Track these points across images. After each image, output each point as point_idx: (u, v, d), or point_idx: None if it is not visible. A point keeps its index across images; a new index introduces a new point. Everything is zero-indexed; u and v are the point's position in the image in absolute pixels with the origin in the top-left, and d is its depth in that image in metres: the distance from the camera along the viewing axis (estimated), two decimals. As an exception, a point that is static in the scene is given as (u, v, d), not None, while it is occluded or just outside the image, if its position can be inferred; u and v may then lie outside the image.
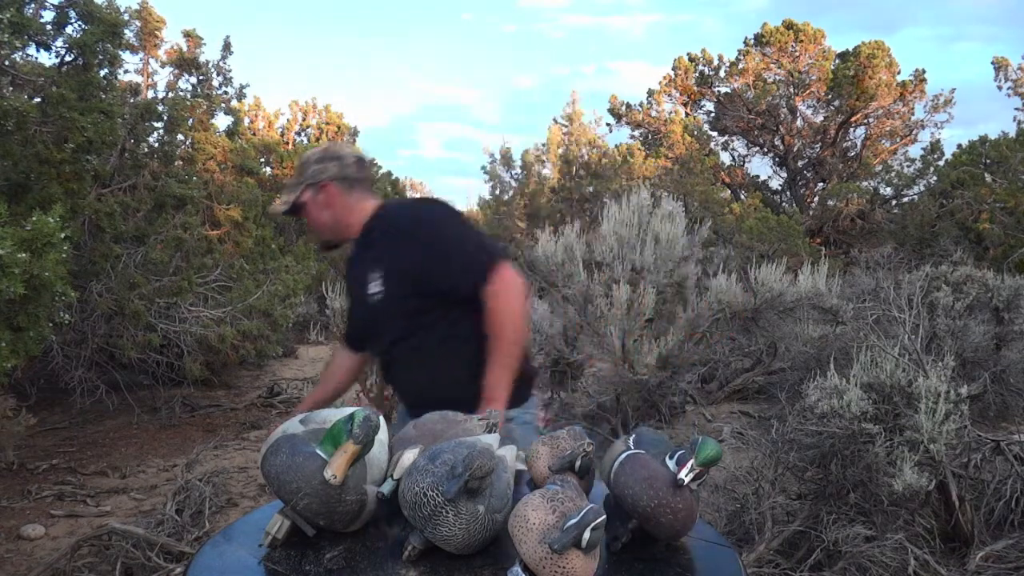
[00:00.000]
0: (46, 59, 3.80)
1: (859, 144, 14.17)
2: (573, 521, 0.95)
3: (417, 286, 1.54)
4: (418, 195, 24.24)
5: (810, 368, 3.91)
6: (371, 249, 1.62)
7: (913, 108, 13.71)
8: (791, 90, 13.73)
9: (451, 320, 1.55)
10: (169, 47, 5.85)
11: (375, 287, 1.59)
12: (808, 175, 14.44)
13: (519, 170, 12.53)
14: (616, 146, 12.67)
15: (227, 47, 6.18)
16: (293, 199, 1.62)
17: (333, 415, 1.22)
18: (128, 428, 4.77)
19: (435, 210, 1.62)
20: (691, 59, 14.61)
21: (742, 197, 13.78)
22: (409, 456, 1.19)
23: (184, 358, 4.86)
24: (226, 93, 6.32)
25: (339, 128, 11.00)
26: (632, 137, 14.43)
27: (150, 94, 5.74)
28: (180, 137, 5.50)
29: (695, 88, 14.59)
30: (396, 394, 1.75)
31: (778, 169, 14.73)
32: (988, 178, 9.91)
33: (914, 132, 13.88)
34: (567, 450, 1.29)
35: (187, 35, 5.84)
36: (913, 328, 3.07)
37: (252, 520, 1.27)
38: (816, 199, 13.78)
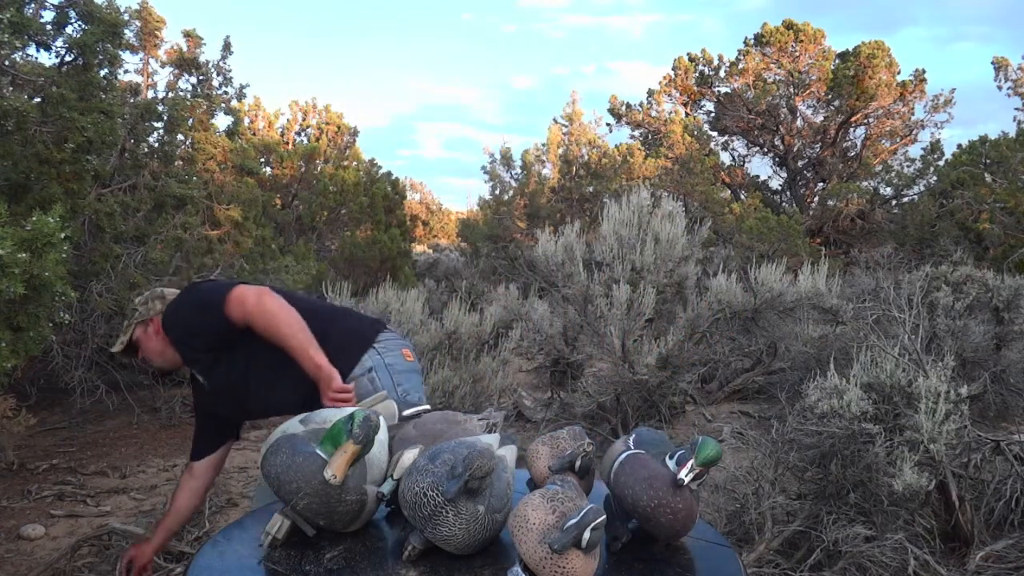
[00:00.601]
0: (46, 59, 3.80)
1: (859, 144, 14.16)
2: (573, 521, 0.95)
3: (205, 349, 1.77)
4: (415, 197, 24.25)
5: (810, 368, 3.92)
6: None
7: (913, 108, 13.70)
8: (791, 90, 13.73)
9: (256, 349, 1.73)
10: (169, 47, 5.86)
11: (203, 380, 1.85)
12: (808, 175, 14.43)
13: (519, 170, 12.52)
14: (616, 146, 12.66)
15: (227, 47, 6.18)
16: (127, 339, 1.86)
17: (333, 415, 1.22)
18: (128, 428, 4.76)
19: (179, 295, 1.85)
20: (691, 59, 14.61)
21: (742, 197, 13.77)
22: (409, 456, 1.19)
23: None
24: (226, 93, 6.32)
25: (339, 128, 10.99)
26: (632, 137, 14.43)
27: (150, 94, 5.74)
28: (180, 137, 5.50)
29: (695, 88, 14.59)
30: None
31: (778, 169, 14.73)
32: (988, 178, 9.91)
33: (914, 132, 13.87)
34: (567, 450, 1.29)
35: (187, 35, 5.84)
36: (913, 328, 3.07)
37: (252, 520, 1.27)
38: (816, 199, 13.77)
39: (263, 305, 1.67)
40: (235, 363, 1.78)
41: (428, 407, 1.47)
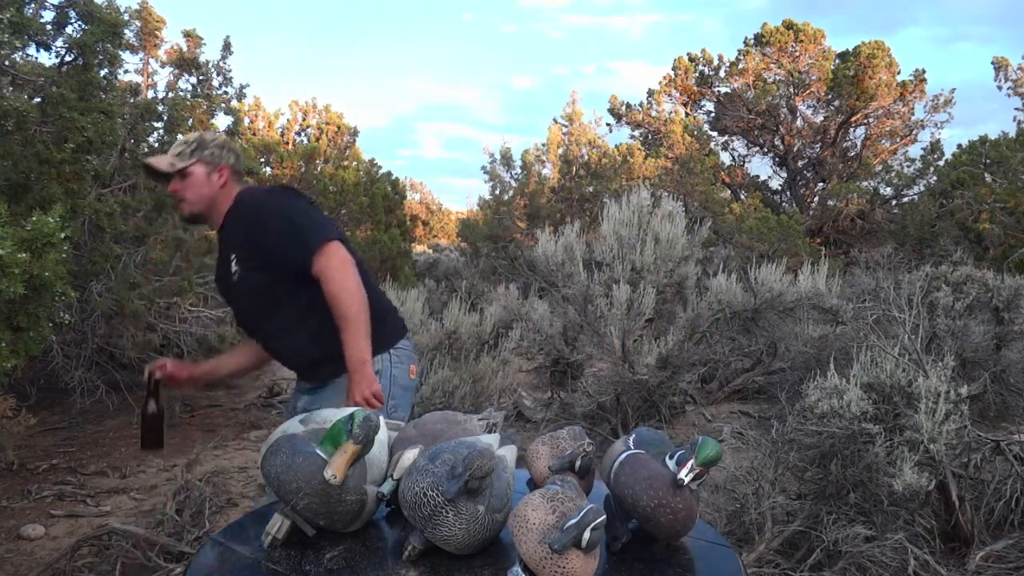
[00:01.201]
0: (46, 59, 3.80)
1: (859, 144, 14.16)
2: (573, 521, 0.95)
3: (262, 264, 1.70)
4: (415, 197, 24.23)
5: (810, 368, 3.92)
6: (230, 233, 1.77)
7: (913, 108, 13.70)
8: (791, 90, 13.72)
9: (299, 293, 1.69)
10: (169, 47, 5.86)
11: (234, 267, 1.75)
12: (808, 175, 14.43)
13: (519, 170, 12.52)
14: (616, 146, 12.65)
15: (227, 47, 6.17)
16: (183, 165, 1.74)
17: (333, 415, 1.22)
18: (128, 428, 4.76)
19: (278, 195, 1.77)
20: (691, 59, 14.60)
21: (742, 197, 13.77)
22: (409, 456, 1.19)
23: (184, 358, 4.86)
24: (226, 93, 6.32)
25: (339, 128, 10.99)
26: (632, 137, 14.43)
27: (150, 94, 5.74)
28: (180, 137, 5.50)
29: (695, 88, 14.58)
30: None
31: (778, 169, 14.73)
32: (988, 178, 9.91)
33: (914, 132, 13.87)
34: (567, 450, 1.29)
35: (187, 35, 5.84)
36: (913, 328, 3.07)
37: (252, 520, 1.27)
38: (816, 199, 13.77)
39: (346, 276, 1.62)
40: (275, 285, 1.71)
41: (402, 424, 1.46)
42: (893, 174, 12.86)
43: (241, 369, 1.96)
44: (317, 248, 1.62)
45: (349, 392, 1.58)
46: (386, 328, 1.79)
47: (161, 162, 1.76)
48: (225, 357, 1.96)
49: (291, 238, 1.65)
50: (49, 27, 3.62)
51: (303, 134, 11.24)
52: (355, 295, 1.61)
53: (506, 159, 12.53)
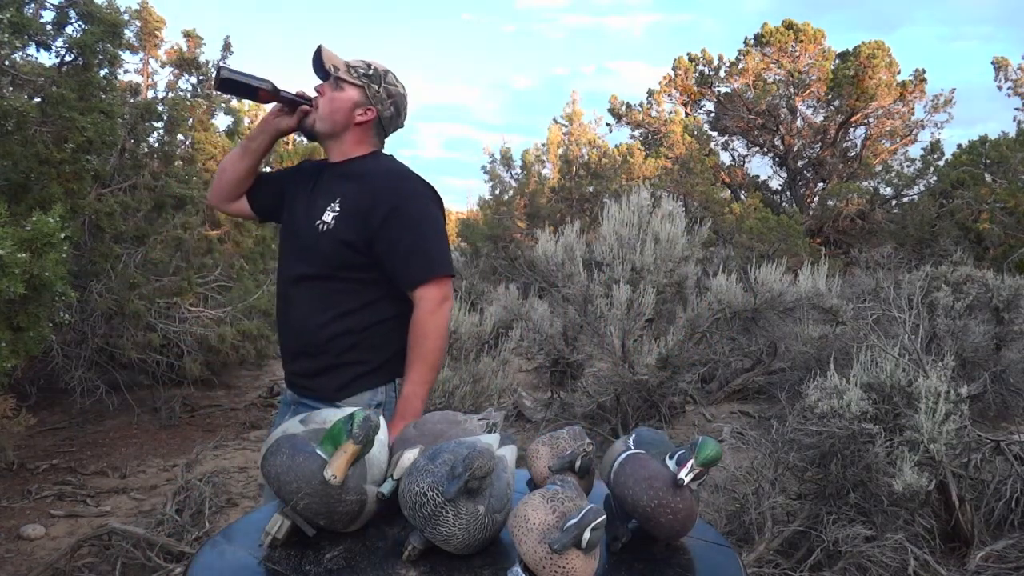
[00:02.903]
0: (46, 59, 3.80)
1: (859, 144, 14.17)
2: (573, 521, 0.95)
3: (361, 238, 1.50)
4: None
5: (810, 368, 3.92)
6: (348, 182, 1.56)
7: (913, 108, 13.72)
8: (791, 90, 13.73)
9: (366, 293, 1.53)
10: (169, 47, 5.85)
11: (327, 216, 1.53)
12: (808, 175, 14.44)
13: (519, 170, 12.52)
14: (616, 146, 12.66)
15: (227, 47, 6.16)
16: (347, 78, 1.56)
17: (333, 415, 1.22)
18: (128, 428, 4.76)
19: (434, 197, 1.60)
20: (691, 59, 14.61)
21: (742, 197, 13.77)
22: (409, 456, 1.19)
23: (184, 358, 4.86)
24: (226, 93, 6.31)
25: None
26: (632, 137, 14.43)
27: (150, 94, 5.74)
28: (180, 137, 5.50)
29: (695, 88, 14.59)
30: (280, 338, 1.69)
31: (778, 169, 14.74)
32: (988, 178, 9.91)
33: (914, 132, 13.88)
34: (567, 450, 1.29)
35: (187, 35, 5.84)
36: (913, 328, 3.07)
37: (252, 520, 1.27)
38: (816, 199, 13.78)
39: (442, 319, 1.49)
40: (352, 262, 1.52)
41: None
42: (893, 174, 12.86)
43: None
44: (436, 277, 1.49)
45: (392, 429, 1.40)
46: (399, 356, 1.61)
47: (330, 57, 1.57)
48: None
49: (421, 249, 1.50)
50: (49, 27, 3.62)
51: (303, 134, 11.21)
52: (441, 340, 1.50)
53: (506, 159, 12.53)
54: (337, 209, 1.53)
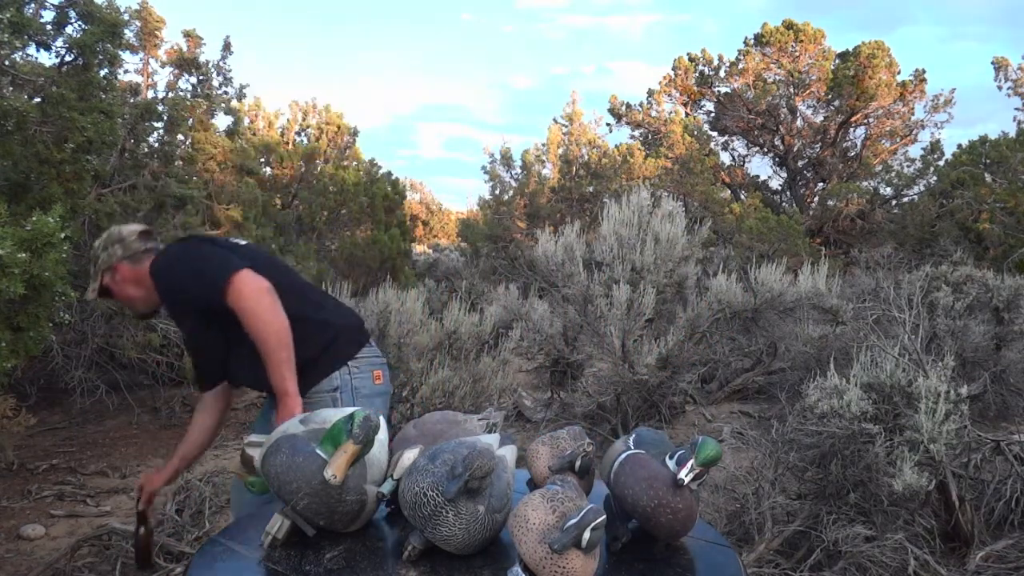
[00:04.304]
0: (46, 59, 3.80)
1: (859, 144, 14.16)
2: (573, 521, 0.95)
3: (198, 316, 1.75)
4: (415, 197, 24.24)
5: (810, 368, 3.92)
6: (163, 303, 1.83)
7: (913, 108, 13.70)
8: (791, 90, 13.72)
9: (231, 328, 1.69)
10: (169, 47, 5.86)
11: (182, 328, 1.86)
12: (808, 175, 14.43)
13: (519, 170, 12.52)
14: (616, 146, 12.65)
15: (227, 47, 6.18)
16: (97, 286, 1.84)
17: (333, 415, 1.22)
18: (128, 428, 4.76)
19: (176, 249, 1.80)
20: (691, 59, 14.60)
21: (742, 197, 13.77)
22: (409, 456, 1.19)
23: (184, 358, 4.86)
24: (226, 93, 6.32)
25: (339, 128, 10.98)
26: (632, 137, 14.42)
27: (150, 94, 5.74)
28: (180, 137, 5.50)
29: (695, 88, 14.58)
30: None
31: (778, 169, 14.73)
32: (988, 178, 9.91)
33: (914, 132, 13.87)
34: (567, 450, 1.29)
35: (187, 35, 5.84)
36: (913, 328, 3.07)
37: (252, 520, 1.27)
38: (816, 199, 13.77)
39: (258, 307, 1.62)
40: (221, 331, 1.73)
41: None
42: (893, 174, 12.86)
43: (209, 437, 1.96)
44: (224, 285, 1.62)
45: (276, 423, 1.57)
46: (339, 343, 1.79)
47: (88, 294, 1.87)
48: (192, 435, 1.93)
49: (201, 282, 1.67)
50: (49, 27, 3.62)
51: (303, 134, 11.22)
52: (269, 325, 1.62)
53: (506, 159, 12.53)
54: (180, 322, 1.89)
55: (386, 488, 1.17)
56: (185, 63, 5.76)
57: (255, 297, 1.62)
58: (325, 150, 10.33)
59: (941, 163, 12.12)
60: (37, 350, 2.79)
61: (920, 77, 13.42)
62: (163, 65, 5.89)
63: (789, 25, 13.53)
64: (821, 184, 14.09)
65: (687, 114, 14.42)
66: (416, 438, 1.29)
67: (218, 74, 6.14)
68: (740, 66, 13.88)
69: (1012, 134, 10.36)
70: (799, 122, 14.13)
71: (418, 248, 17.18)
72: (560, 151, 12.33)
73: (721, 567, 1.17)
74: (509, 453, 1.23)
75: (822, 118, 13.95)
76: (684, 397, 4.82)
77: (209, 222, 5.60)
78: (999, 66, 11.24)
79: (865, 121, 13.81)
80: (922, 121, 13.75)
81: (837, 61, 13.36)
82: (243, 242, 1.91)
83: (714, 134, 14.80)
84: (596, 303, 4.14)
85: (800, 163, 14.38)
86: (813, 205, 13.53)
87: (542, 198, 11.79)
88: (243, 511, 1.72)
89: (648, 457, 1.18)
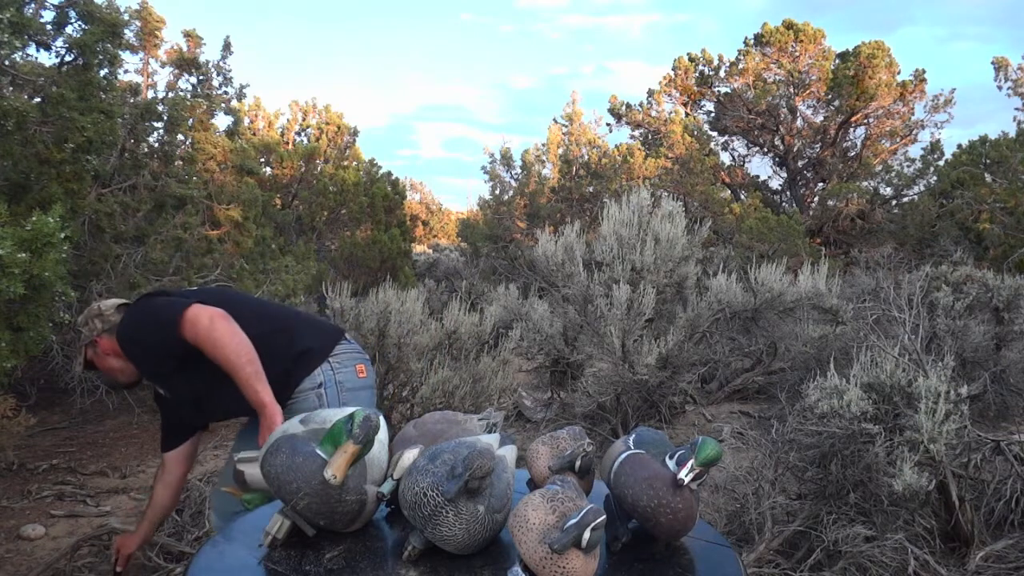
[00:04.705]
0: (46, 59, 3.80)
1: (859, 144, 14.15)
2: (573, 521, 0.95)
3: (168, 368, 1.80)
4: (415, 197, 24.23)
5: (810, 368, 3.92)
6: (138, 369, 1.88)
7: (913, 108, 13.69)
8: (791, 90, 13.72)
9: (202, 365, 1.74)
10: (169, 47, 5.86)
11: (162, 391, 1.91)
12: (808, 175, 14.43)
13: (519, 170, 12.53)
14: (616, 146, 12.65)
15: (227, 47, 6.18)
16: (82, 360, 1.91)
17: (333, 415, 1.22)
18: (128, 428, 4.76)
19: (130, 311, 1.84)
20: (691, 59, 14.60)
21: (742, 197, 13.77)
22: (409, 456, 1.19)
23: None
24: (226, 93, 6.32)
25: (339, 128, 10.98)
26: (632, 137, 14.42)
27: (150, 94, 5.74)
28: (180, 137, 5.50)
29: (695, 88, 14.58)
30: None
31: (778, 169, 14.72)
32: (988, 178, 9.91)
33: (914, 132, 13.86)
34: (567, 450, 1.29)
35: (187, 35, 5.84)
36: (913, 328, 3.07)
37: (252, 520, 1.27)
38: (816, 199, 13.77)
39: (213, 332, 1.66)
40: (194, 374, 1.79)
41: None
42: (893, 174, 12.85)
43: (173, 499, 2.04)
44: (178, 324, 1.67)
45: (260, 436, 1.63)
46: (310, 344, 1.84)
47: (76, 367, 1.96)
48: (157, 499, 1.99)
49: (157, 328, 1.72)
50: (49, 27, 3.61)
51: (303, 134, 11.23)
52: (227, 345, 1.66)
53: (506, 159, 12.54)
54: (157, 385, 1.95)
55: (386, 488, 1.17)
56: (185, 63, 5.76)
57: (208, 324, 1.66)
58: (325, 150, 10.34)
59: (941, 163, 12.12)
60: (37, 350, 2.79)
61: (920, 77, 13.42)
62: (163, 65, 5.89)
63: (789, 25, 13.53)
64: (821, 184, 14.08)
65: (687, 114, 14.42)
66: (416, 438, 1.29)
67: (218, 74, 6.14)
68: (740, 66, 13.88)
69: (1012, 134, 10.36)
70: (799, 122, 14.13)
71: (418, 248, 17.18)
72: (560, 151, 12.33)
73: (721, 567, 1.17)
74: (509, 453, 1.23)
75: (822, 118, 13.95)
76: (684, 397, 4.82)
77: (209, 222, 5.60)
78: (999, 66, 11.23)
79: (865, 121, 13.81)
80: (922, 121, 13.75)
81: (837, 61, 13.36)
82: (194, 288, 2.00)
83: (714, 134, 14.80)
84: (596, 303, 4.14)
85: (800, 163, 14.38)
86: (813, 205, 13.53)
87: (542, 198, 11.79)
88: (227, 519, 1.74)
89: (648, 457, 1.18)
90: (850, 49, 13.33)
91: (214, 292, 1.92)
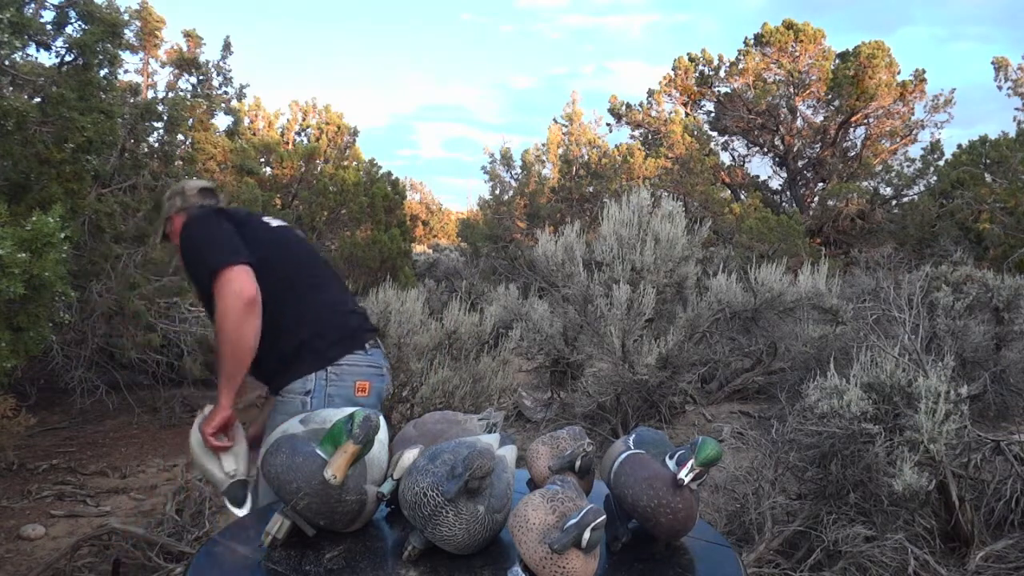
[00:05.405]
0: (46, 59, 3.80)
1: (859, 144, 14.15)
2: (573, 521, 0.95)
3: (196, 284, 1.79)
4: (415, 197, 24.21)
5: (810, 368, 3.91)
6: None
7: (913, 108, 13.70)
8: (791, 90, 13.72)
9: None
10: (169, 47, 5.87)
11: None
12: (808, 175, 14.43)
13: (519, 170, 12.53)
14: (616, 146, 12.65)
15: (227, 47, 6.18)
16: (161, 231, 1.91)
17: (333, 415, 1.22)
18: (128, 428, 4.76)
19: (193, 221, 1.78)
20: (691, 59, 14.60)
21: (742, 197, 13.77)
22: (409, 456, 1.19)
23: (184, 358, 4.86)
24: (226, 93, 6.32)
25: (339, 128, 10.98)
26: (632, 137, 14.42)
27: (150, 94, 5.74)
28: (180, 137, 5.50)
29: (695, 88, 14.58)
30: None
31: (778, 169, 14.73)
32: (988, 178, 9.91)
33: (914, 132, 13.87)
34: (567, 450, 1.29)
35: (187, 35, 5.84)
36: (913, 328, 3.07)
37: (252, 520, 1.27)
38: (816, 199, 13.77)
39: (231, 312, 1.60)
40: (206, 301, 1.75)
41: None
42: (893, 174, 12.86)
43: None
44: (213, 274, 1.63)
45: (205, 423, 1.61)
46: (324, 342, 1.73)
47: (153, 238, 1.95)
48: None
49: (198, 262, 1.69)
50: (49, 27, 3.61)
51: (303, 134, 11.23)
52: (230, 336, 1.60)
53: (506, 159, 12.54)
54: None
55: (386, 488, 1.17)
56: (185, 63, 5.76)
57: (231, 303, 1.60)
58: (325, 150, 10.34)
59: (941, 163, 12.12)
60: (37, 350, 2.79)
61: (920, 77, 13.42)
62: (163, 65, 5.90)
63: (789, 25, 13.53)
64: (821, 184, 14.09)
65: (687, 114, 14.42)
66: (416, 438, 1.29)
67: (218, 74, 6.14)
68: (740, 66, 13.88)
69: (1012, 134, 10.36)
70: (799, 122, 14.13)
71: (418, 248, 17.18)
72: (560, 151, 12.33)
73: (721, 567, 1.17)
74: (509, 453, 1.23)
75: (822, 118, 13.95)
76: (684, 397, 4.82)
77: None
78: (999, 66, 11.23)
79: (865, 121, 13.81)
80: (922, 121, 13.75)
81: (837, 61, 13.36)
82: (275, 223, 1.88)
83: (714, 134, 14.80)
84: (596, 303, 4.14)
85: (800, 163, 14.38)
86: (813, 205, 13.53)
87: (542, 198, 11.80)
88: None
89: (648, 457, 1.18)
90: (850, 49, 13.34)
91: (283, 245, 1.81)
